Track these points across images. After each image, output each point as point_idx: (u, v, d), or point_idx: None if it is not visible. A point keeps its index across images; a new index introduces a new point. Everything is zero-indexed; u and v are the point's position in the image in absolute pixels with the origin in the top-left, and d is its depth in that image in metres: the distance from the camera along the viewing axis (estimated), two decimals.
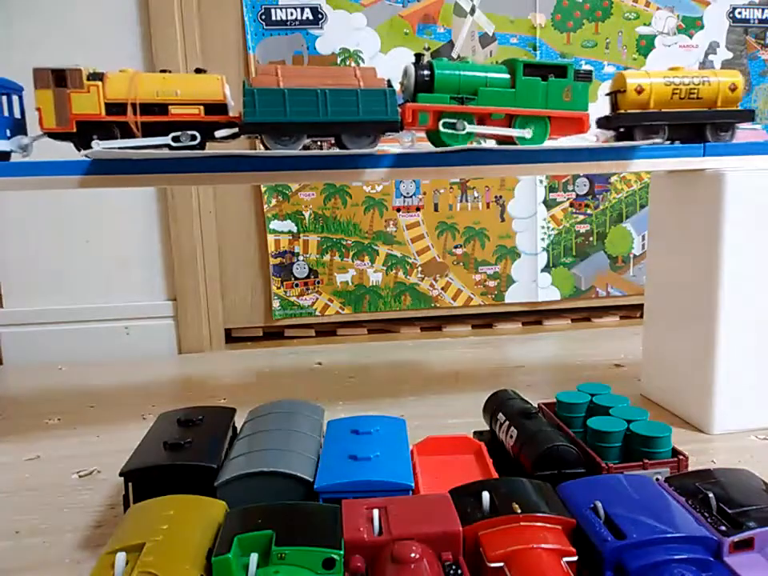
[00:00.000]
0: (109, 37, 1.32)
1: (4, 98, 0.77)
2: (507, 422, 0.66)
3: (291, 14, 1.39)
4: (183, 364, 1.35)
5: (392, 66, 1.42)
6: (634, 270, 1.57)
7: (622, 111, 0.86)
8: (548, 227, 1.55)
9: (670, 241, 0.95)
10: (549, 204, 1.54)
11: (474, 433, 0.74)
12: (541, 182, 1.53)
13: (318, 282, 1.49)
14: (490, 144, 0.85)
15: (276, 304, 1.48)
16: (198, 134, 0.78)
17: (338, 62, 1.41)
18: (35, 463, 0.85)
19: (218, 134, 0.76)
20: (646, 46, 1.51)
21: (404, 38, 1.43)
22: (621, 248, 1.57)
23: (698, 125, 0.86)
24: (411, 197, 1.50)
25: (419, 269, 1.51)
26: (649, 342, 1.02)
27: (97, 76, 0.75)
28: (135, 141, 0.77)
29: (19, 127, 0.79)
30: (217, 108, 0.78)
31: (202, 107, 0.77)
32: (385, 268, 1.50)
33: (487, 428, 0.75)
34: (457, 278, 1.53)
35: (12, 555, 0.63)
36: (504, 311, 1.58)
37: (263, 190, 1.45)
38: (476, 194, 1.52)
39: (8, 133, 0.77)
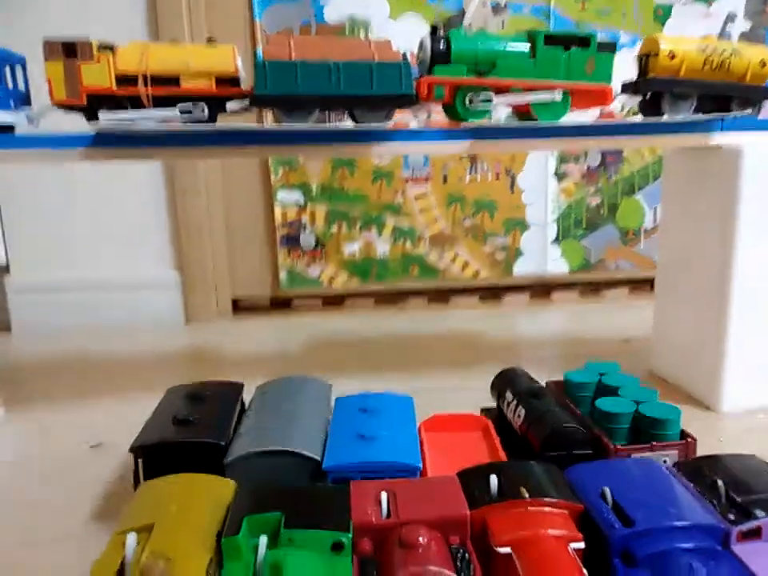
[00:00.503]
0: (111, 6, 1.29)
1: (7, 68, 0.75)
2: (515, 401, 0.66)
3: None
4: (191, 333, 1.36)
5: (402, 32, 1.40)
6: (644, 244, 1.56)
7: (653, 76, 0.82)
8: (558, 199, 1.53)
9: (684, 216, 0.93)
10: (560, 176, 1.52)
11: (482, 410, 0.74)
12: (552, 153, 1.51)
13: (325, 253, 1.49)
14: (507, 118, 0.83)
15: (283, 275, 1.48)
16: (207, 107, 0.76)
17: (347, 30, 1.38)
18: (44, 434, 0.86)
19: (229, 106, 0.75)
20: (662, 15, 1.47)
21: (414, 3, 1.40)
22: (632, 221, 1.55)
23: (724, 98, 0.84)
24: (420, 168, 1.48)
25: (427, 240, 1.50)
26: (659, 317, 1.02)
27: (107, 47, 0.74)
28: (141, 112, 0.75)
29: (24, 99, 0.78)
30: (228, 80, 0.76)
31: (213, 79, 0.75)
32: (392, 239, 1.49)
33: (494, 405, 0.75)
34: (466, 249, 1.52)
35: (22, 528, 0.64)
36: (513, 285, 1.57)
37: (270, 161, 1.43)
38: (485, 166, 1.50)
39: (12, 104, 0.75)
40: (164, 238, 1.40)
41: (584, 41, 0.77)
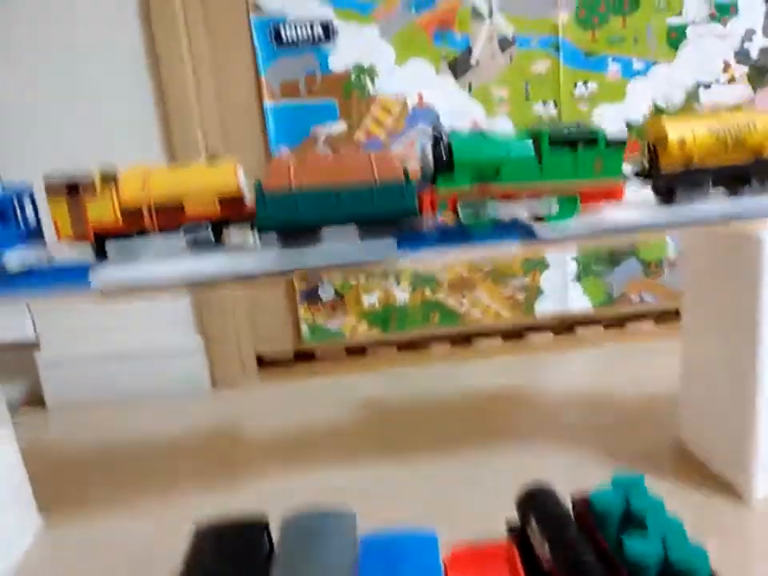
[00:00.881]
0: (118, 87, 1.29)
1: (15, 204, 0.75)
2: (540, 529, 0.65)
3: (302, 32, 1.33)
4: (218, 403, 1.35)
5: (408, 78, 1.38)
6: (668, 274, 1.52)
7: (663, 170, 0.80)
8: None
9: (707, 296, 0.90)
10: None
11: (508, 530, 0.73)
12: None
13: (345, 305, 1.48)
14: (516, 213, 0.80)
15: (305, 329, 1.48)
16: (211, 231, 0.76)
17: (352, 78, 1.36)
18: (81, 547, 0.87)
19: (233, 233, 0.74)
20: (677, 37, 1.42)
21: (420, 47, 1.37)
22: (654, 252, 1.51)
23: (742, 174, 0.81)
24: None
25: (446, 286, 1.49)
26: (686, 387, 0.99)
27: (109, 177, 0.74)
28: (147, 240, 0.76)
29: (36, 233, 0.78)
30: (232, 201, 0.76)
31: (217, 202, 0.75)
32: (411, 287, 1.48)
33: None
34: (485, 292, 1.50)
35: None
36: (535, 325, 1.55)
37: None
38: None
39: (22, 243, 0.75)
40: (185, 303, 1.40)
41: (591, 140, 0.74)
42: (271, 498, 0.91)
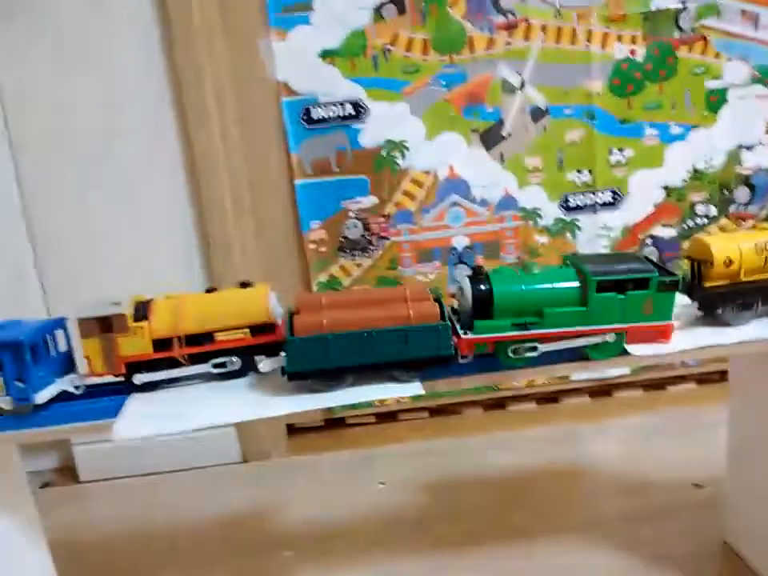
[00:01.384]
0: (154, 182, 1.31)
1: (49, 339, 0.76)
2: None
3: (332, 112, 1.33)
4: (246, 487, 1.34)
5: (439, 152, 1.36)
6: None
7: (710, 288, 0.77)
8: None
9: (755, 409, 0.87)
10: None
11: None
12: (605, 246, 1.45)
13: None
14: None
15: None
16: (241, 361, 0.76)
17: (383, 153, 1.36)
18: None
19: (262, 368, 0.74)
20: (717, 101, 1.38)
21: (450, 121, 1.36)
22: None
23: None
24: None
25: None
26: (735, 491, 0.96)
27: (142, 312, 0.74)
28: (176, 372, 0.76)
29: (68, 362, 0.79)
30: (263, 328, 0.76)
31: (247, 329, 0.75)
32: None
33: None
34: None
35: None
36: (571, 388, 1.52)
37: (315, 288, 1.43)
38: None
39: (55, 378, 0.76)
40: None
41: (642, 281, 0.72)
42: None
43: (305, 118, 1.33)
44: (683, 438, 1.31)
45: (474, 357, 0.74)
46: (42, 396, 0.73)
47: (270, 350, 0.75)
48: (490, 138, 1.37)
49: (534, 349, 0.72)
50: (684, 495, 1.12)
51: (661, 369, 1.50)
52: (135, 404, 0.75)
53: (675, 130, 1.39)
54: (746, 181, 1.43)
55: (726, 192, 1.43)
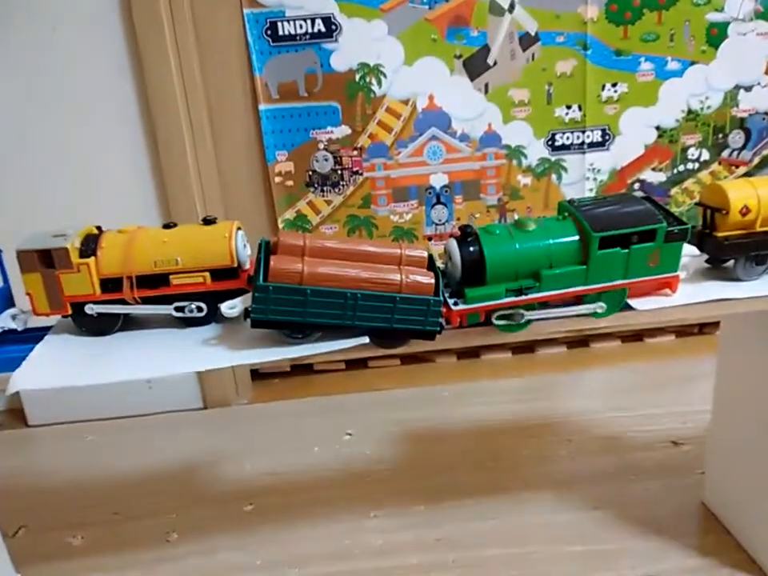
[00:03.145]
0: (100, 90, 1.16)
1: None
2: None
3: (300, 27, 1.20)
4: (207, 434, 1.27)
5: (419, 78, 1.25)
6: None
7: (723, 238, 0.69)
8: None
9: (744, 364, 0.82)
10: None
11: None
12: (590, 190, 1.36)
13: None
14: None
15: None
16: (204, 305, 0.67)
17: (357, 78, 1.24)
18: None
19: (225, 312, 0.65)
20: (717, 35, 1.28)
21: (432, 45, 1.24)
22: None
23: None
24: (443, 224, 1.35)
25: None
26: (714, 454, 0.91)
27: (90, 247, 0.65)
28: (134, 308, 0.67)
29: (5, 296, 0.69)
30: (225, 272, 0.66)
31: (208, 273, 0.66)
32: None
33: None
34: None
35: None
36: (547, 338, 1.47)
37: (281, 225, 1.32)
38: (516, 217, 1.36)
39: None
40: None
41: (648, 234, 0.63)
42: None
43: (269, 33, 1.19)
44: (661, 392, 1.27)
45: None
46: None
47: (232, 298, 0.66)
48: (475, 65, 1.26)
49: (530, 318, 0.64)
50: (661, 452, 1.07)
51: (638, 321, 1.44)
52: (52, 349, 0.66)
53: (672, 65, 1.29)
54: (741, 124, 1.35)
55: (719, 136, 1.35)
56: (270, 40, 1.20)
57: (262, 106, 1.23)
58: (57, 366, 0.63)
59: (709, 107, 1.32)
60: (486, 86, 1.27)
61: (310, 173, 1.28)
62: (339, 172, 1.29)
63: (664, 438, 1.10)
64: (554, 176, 1.34)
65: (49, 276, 0.65)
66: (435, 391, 1.34)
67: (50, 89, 1.16)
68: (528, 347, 1.48)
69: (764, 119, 1.35)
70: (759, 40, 1.29)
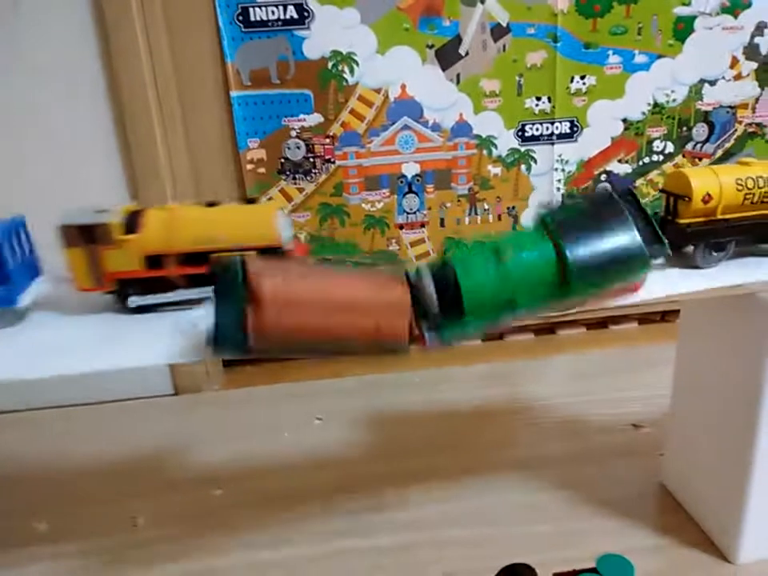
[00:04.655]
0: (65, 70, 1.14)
1: (14, 241, 0.67)
2: None
3: (272, 13, 1.19)
4: (176, 420, 1.27)
5: (391, 67, 1.25)
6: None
7: (684, 225, 0.71)
8: None
9: (704, 352, 0.85)
10: None
11: None
12: (558, 189, 1.39)
13: None
14: None
15: None
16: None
17: (329, 66, 1.24)
18: None
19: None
20: (684, 29, 1.31)
21: (404, 34, 1.24)
22: None
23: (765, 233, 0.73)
24: (415, 213, 1.37)
25: None
26: (674, 435, 0.94)
27: (132, 223, 0.65)
28: (175, 294, 0.67)
29: (33, 266, 0.71)
30: (270, 252, 0.66)
31: (253, 253, 0.66)
32: None
33: None
34: None
35: None
36: (515, 325, 1.49)
37: None
38: (486, 206, 1.38)
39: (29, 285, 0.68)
40: None
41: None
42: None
43: (241, 19, 1.19)
44: (623, 377, 1.30)
45: None
46: (26, 299, 0.66)
47: None
48: (447, 55, 1.27)
49: None
50: (623, 435, 1.11)
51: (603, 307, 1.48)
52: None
53: (639, 58, 1.32)
54: (705, 118, 1.38)
55: (684, 129, 1.38)
56: (242, 26, 1.19)
57: (233, 93, 1.23)
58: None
59: (674, 101, 1.36)
60: (458, 76, 1.28)
61: (282, 160, 1.28)
62: (311, 160, 1.29)
63: (626, 422, 1.13)
64: (523, 166, 1.36)
65: (91, 252, 0.65)
66: (406, 377, 1.36)
67: (16, 72, 1.13)
68: (497, 334, 1.51)
69: (728, 113, 1.39)
70: (725, 34, 1.32)
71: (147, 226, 0.65)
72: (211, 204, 0.68)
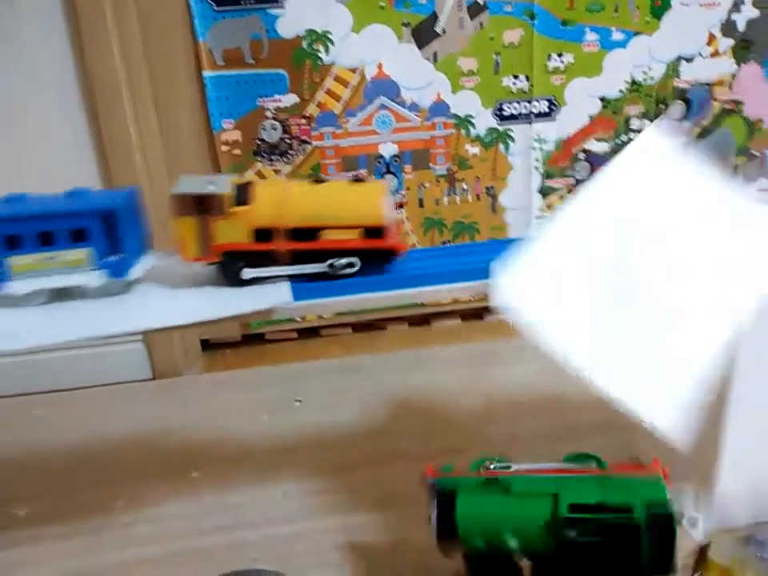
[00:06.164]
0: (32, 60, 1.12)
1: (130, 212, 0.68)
2: None
3: None
4: (155, 405, 1.27)
5: (367, 47, 1.24)
6: None
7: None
8: (543, 216, 1.42)
9: None
10: (545, 192, 1.41)
11: None
12: (536, 168, 1.39)
13: None
14: None
15: None
16: (356, 262, 0.67)
17: (304, 45, 1.22)
18: None
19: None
20: (661, 6, 1.30)
21: (379, 12, 1.23)
22: None
23: None
24: (393, 194, 1.36)
25: None
26: None
27: (242, 194, 0.65)
28: (287, 269, 0.67)
29: (144, 238, 0.72)
30: (374, 232, 0.66)
31: (359, 231, 0.66)
32: None
33: None
34: None
35: None
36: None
37: None
38: (465, 186, 1.38)
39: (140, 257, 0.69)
40: None
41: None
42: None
43: None
44: None
45: None
46: (136, 272, 0.67)
47: (378, 257, 0.67)
48: (423, 33, 1.25)
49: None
50: (599, 412, 1.11)
51: None
52: None
53: (616, 36, 1.31)
54: (682, 95, 1.38)
55: (661, 106, 1.38)
56: (214, 4, 1.17)
57: (206, 73, 1.21)
58: None
59: (651, 78, 1.35)
60: (435, 54, 1.27)
61: (258, 142, 1.27)
62: (288, 141, 1.28)
63: (601, 398, 1.14)
64: (501, 146, 1.35)
65: (202, 222, 0.64)
66: (386, 358, 1.36)
67: None
68: (477, 315, 1.51)
69: (705, 90, 1.39)
70: (702, 11, 1.32)
71: (258, 200, 0.65)
72: (317, 181, 0.69)
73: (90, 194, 0.68)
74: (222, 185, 0.65)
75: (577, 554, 0.58)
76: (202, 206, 0.64)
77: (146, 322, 0.64)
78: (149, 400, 1.28)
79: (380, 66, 1.26)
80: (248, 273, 0.66)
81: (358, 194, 0.68)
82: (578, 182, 1.41)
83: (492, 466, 0.66)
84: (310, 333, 1.48)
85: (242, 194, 0.65)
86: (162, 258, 0.73)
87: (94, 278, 0.65)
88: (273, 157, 1.29)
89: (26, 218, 0.64)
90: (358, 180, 0.69)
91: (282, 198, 0.66)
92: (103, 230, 0.64)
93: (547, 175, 1.39)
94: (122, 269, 0.65)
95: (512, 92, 1.32)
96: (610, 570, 0.57)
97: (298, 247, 0.66)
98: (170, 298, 0.67)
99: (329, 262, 0.66)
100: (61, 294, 0.67)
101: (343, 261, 0.66)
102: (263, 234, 0.66)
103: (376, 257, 0.67)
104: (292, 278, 0.68)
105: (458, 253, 0.78)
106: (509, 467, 0.65)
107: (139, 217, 0.70)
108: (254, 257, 0.66)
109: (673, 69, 1.35)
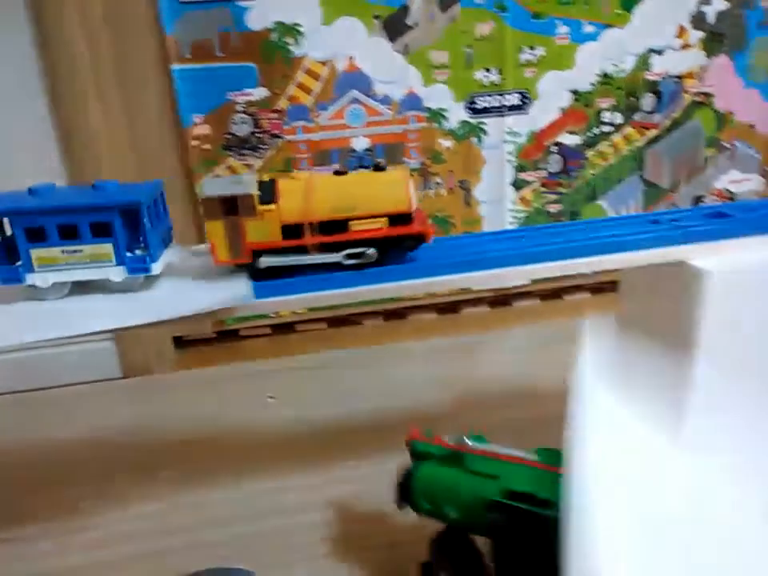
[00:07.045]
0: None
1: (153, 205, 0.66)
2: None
3: None
4: (124, 404, 1.25)
5: (337, 39, 1.23)
6: None
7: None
8: (517, 209, 1.43)
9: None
10: (518, 185, 1.41)
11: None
12: (509, 161, 1.39)
13: None
14: None
15: None
16: (376, 252, 0.65)
17: (274, 38, 1.21)
18: None
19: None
20: None
21: (350, 4, 1.22)
22: None
23: None
24: None
25: None
26: None
27: (267, 192, 0.64)
28: (304, 258, 0.66)
29: (167, 233, 0.70)
30: (400, 218, 0.65)
31: (386, 219, 0.65)
32: None
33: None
34: None
35: None
36: (471, 297, 1.50)
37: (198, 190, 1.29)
38: (438, 180, 1.38)
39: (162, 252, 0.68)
40: None
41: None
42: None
43: None
44: (576, 345, 1.32)
45: None
46: (158, 267, 0.65)
47: (405, 244, 0.66)
48: (394, 26, 1.25)
49: None
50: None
51: (559, 279, 1.49)
52: None
53: (587, 28, 1.31)
54: (653, 88, 1.39)
55: (632, 99, 1.39)
56: None
57: (174, 66, 1.19)
58: None
59: (622, 71, 1.36)
60: (406, 47, 1.26)
61: (228, 136, 1.26)
62: (258, 135, 1.27)
63: None
64: (474, 139, 1.35)
65: (232, 223, 0.63)
66: (360, 353, 1.36)
67: None
68: (452, 308, 1.51)
69: (675, 83, 1.39)
70: (672, 3, 1.32)
71: (285, 196, 0.64)
72: (338, 173, 0.67)
73: (115, 186, 0.67)
74: (248, 184, 0.64)
75: (501, 537, 0.61)
76: (231, 207, 0.63)
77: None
78: (118, 399, 1.26)
79: (351, 59, 1.25)
80: (265, 261, 0.65)
81: (383, 181, 0.67)
82: (551, 174, 1.41)
83: (468, 442, 0.68)
84: (284, 328, 1.47)
85: (268, 192, 0.64)
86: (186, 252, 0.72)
87: (116, 273, 0.64)
88: (244, 151, 1.27)
89: (50, 211, 0.62)
90: (378, 168, 0.68)
91: (307, 192, 0.65)
92: (126, 224, 0.63)
93: (520, 168, 1.39)
94: (144, 264, 0.64)
95: (484, 85, 1.31)
96: (528, 560, 0.59)
97: (328, 240, 0.65)
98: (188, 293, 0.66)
99: (346, 251, 0.65)
100: (82, 288, 0.66)
101: (369, 251, 0.65)
102: (292, 230, 0.65)
103: (405, 243, 0.66)
104: (312, 268, 0.66)
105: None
106: (478, 446, 0.65)
107: (161, 210, 0.69)
108: (285, 254, 0.65)
109: (643, 61, 1.36)
